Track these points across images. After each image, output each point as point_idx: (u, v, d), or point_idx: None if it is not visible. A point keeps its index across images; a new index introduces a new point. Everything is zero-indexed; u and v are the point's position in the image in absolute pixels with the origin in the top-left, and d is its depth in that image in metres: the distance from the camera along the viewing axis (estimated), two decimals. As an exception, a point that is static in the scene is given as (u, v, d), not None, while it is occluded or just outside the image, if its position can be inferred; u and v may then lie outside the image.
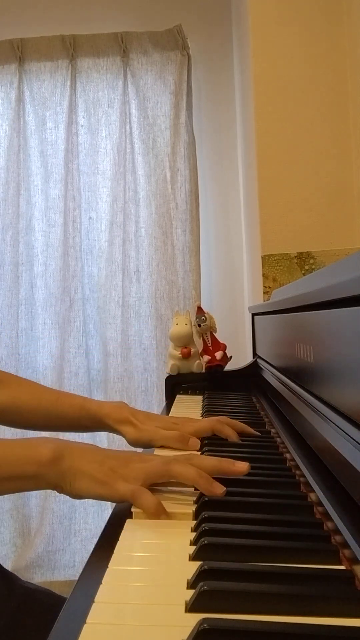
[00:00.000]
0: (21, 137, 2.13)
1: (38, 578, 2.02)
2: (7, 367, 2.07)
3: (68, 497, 0.58)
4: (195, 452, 0.62)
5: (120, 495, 0.55)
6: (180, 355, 1.34)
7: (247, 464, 0.59)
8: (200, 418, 0.95)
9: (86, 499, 0.58)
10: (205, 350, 1.38)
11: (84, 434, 1.84)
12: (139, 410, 0.86)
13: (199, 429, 0.81)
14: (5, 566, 0.80)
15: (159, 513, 0.53)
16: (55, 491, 0.57)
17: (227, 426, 0.81)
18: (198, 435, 0.79)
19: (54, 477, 0.56)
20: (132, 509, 0.54)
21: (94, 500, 0.60)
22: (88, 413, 0.84)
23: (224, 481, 0.57)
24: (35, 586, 0.81)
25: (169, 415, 1.06)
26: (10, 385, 0.88)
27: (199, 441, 0.77)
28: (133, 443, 0.81)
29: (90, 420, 0.84)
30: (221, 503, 0.55)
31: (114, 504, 0.58)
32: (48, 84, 2.14)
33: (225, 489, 0.56)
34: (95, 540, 0.49)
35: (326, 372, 0.58)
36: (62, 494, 0.58)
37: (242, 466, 0.59)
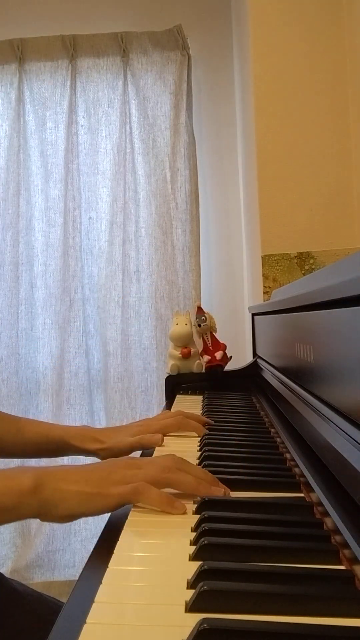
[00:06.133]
0: (21, 137, 2.13)
1: (38, 578, 2.02)
2: (7, 367, 2.07)
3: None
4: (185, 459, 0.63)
5: (118, 498, 0.54)
6: (180, 355, 1.34)
7: (226, 490, 0.58)
8: (168, 411, 0.99)
9: (75, 520, 0.55)
10: (205, 350, 1.38)
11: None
12: (104, 428, 0.89)
13: (165, 426, 0.84)
14: (5, 566, 0.80)
15: (170, 504, 0.53)
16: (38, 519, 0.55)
17: (193, 421, 0.85)
18: (164, 432, 0.83)
19: (36, 505, 0.53)
20: (131, 511, 0.54)
21: (66, 523, 0.58)
22: (54, 439, 0.85)
23: (224, 481, 0.57)
24: (23, 586, 0.81)
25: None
26: None
27: (160, 436, 0.80)
28: (103, 458, 0.83)
29: (55, 444, 0.85)
30: (221, 503, 0.55)
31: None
32: (48, 84, 2.14)
33: (226, 488, 0.56)
34: (95, 540, 0.49)
35: (326, 372, 0.58)
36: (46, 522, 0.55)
37: (219, 491, 0.57)
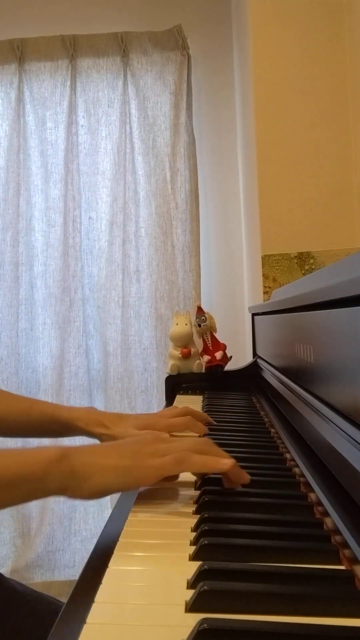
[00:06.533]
0: (21, 137, 2.13)
1: (38, 578, 2.02)
2: (7, 367, 2.07)
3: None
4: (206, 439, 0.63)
5: (159, 469, 0.52)
6: (180, 355, 1.34)
7: (248, 476, 0.58)
8: (175, 407, 0.97)
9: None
10: (205, 350, 1.38)
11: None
12: (110, 412, 0.88)
13: (172, 426, 0.82)
14: (5, 566, 0.80)
15: (217, 460, 0.53)
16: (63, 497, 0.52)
17: (199, 423, 0.84)
18: (170, 431, 0.81)
19: (64, 476, 0.51)
20: (131, 511, 0.54)
21: (94, 500, 0.55)
22: (59, 419, 0.85)
23: (220, 481, 0.57)
24: (23, 586, 0.81)
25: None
26: None
27: (167, 436, 0.78)
28: None
29: (61, 425, 0.85)
30: (221, 503, 0.55)
31: (114, 503, 0.57)
32: (48, 84, 2.14)
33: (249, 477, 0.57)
34: (95, 540, 0.49)
35: (326, 372, 0.58)
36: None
37: (247, 477, 0.58)
